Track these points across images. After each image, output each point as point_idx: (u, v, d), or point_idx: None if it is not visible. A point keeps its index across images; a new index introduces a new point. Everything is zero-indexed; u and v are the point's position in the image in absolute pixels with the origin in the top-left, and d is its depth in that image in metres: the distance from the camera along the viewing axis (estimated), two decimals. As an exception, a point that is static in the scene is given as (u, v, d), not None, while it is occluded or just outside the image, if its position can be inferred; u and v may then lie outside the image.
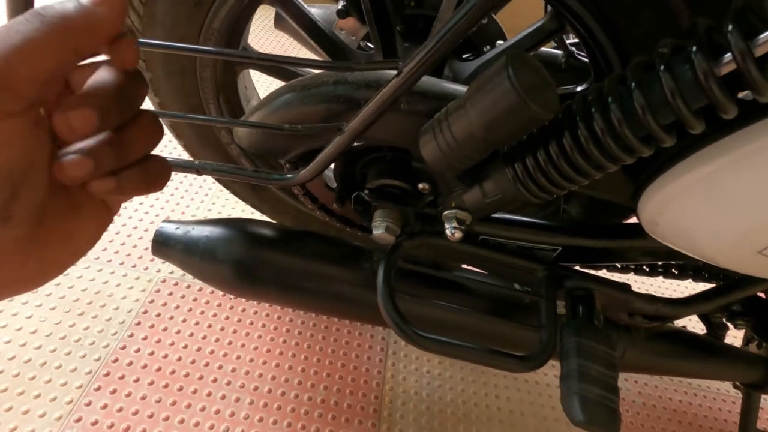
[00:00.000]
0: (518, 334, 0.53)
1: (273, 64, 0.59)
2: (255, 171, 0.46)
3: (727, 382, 0.92)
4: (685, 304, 0.51)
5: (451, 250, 0.51)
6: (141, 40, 0.25)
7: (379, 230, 0.50)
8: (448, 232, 0.44)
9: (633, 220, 0.54)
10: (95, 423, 0.60)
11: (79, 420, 0.60)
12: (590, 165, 0.32)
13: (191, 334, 0.72)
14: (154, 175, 0.23)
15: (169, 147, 1.03)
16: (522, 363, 0.43)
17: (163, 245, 0.53)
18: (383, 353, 0.78)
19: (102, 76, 0.20)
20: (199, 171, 0.46)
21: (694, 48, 0.25)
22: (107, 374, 0.65)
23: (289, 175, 0.45)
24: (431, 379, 0.77)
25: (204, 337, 0.73)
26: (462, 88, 0.41)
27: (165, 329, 0.72)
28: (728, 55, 0.25)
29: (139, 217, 0.88)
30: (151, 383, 0.65)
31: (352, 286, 0.54)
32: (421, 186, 0.48)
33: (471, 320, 0.52)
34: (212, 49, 0.43)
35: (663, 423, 0.81)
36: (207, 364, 0.69)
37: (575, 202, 0.55)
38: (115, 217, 0.87)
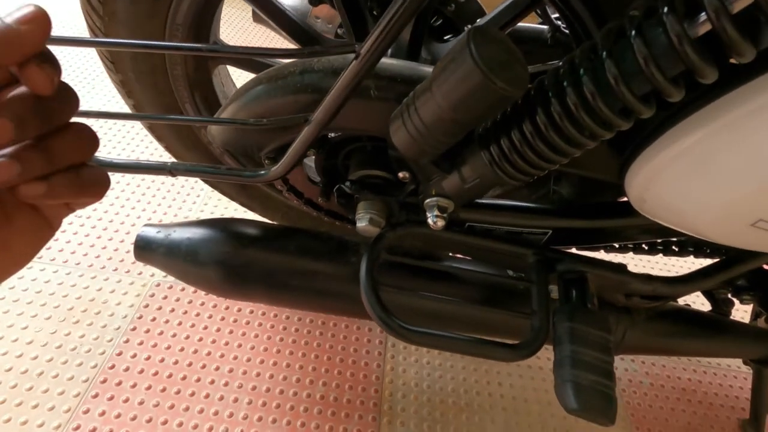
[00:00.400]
0: (511, 322, 0.51)
1: (239, 57, 0.58)
2: (228, 169, 0.44)
3: (738, 359, 0.90)
4: (684, 282, 0.49)
5: (438, 239, 0.50)
6: (57, 36, 0.24)
7: (362, 222, 0.49)
8: (430, 220, 0.43)
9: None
10: (93, 430, 0.60)
11: (77, 428, 0.60)
12: (567, 143, 0.30)
13: (187, 337, 0.72)
14: (89, 182, 0.23)
15: (160, 151, 1.02)
16: (513, 352, 0.42)
17: (145, 249, 0.52)
18: (382, 346, 0.77)
19: (22, 89, 0.20)
20: (172, 172, 0.45)
21: (666, 9, 0.23)
22: (104, 381, 0.65)
23: (262, 172, 0.44)
24: (431, 370, 0.76)
25: (200, 339, 0.72)
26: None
27: (161, 333, 0.72)
28: (703, 15, 0.23)
29: (132, 222, 0.88)
30: (149, 388, 0.65)
31: (340, 281, 0.53)
32: (401, 175, 0.46)
33: (462, 310, 0.51)
34: (153, 43, 0.41)
35: (671, 403, 0.80)
36: (204, 366, 0.69)
37: (566, 183, 0.53)
38: (107, 223, 0.86)
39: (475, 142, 0.36)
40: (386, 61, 0.40)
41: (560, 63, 0.31)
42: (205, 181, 0.78)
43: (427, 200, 0.44)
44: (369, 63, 0.29)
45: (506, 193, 0.57)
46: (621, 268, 0.49)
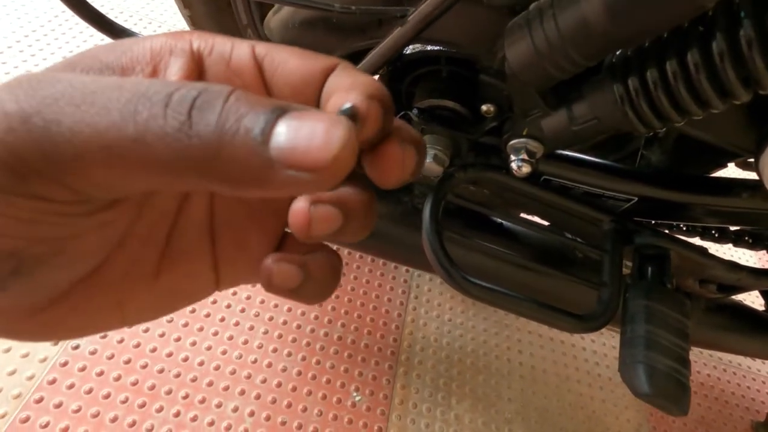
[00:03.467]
0: (572, 292, 0.47)
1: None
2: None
3: (759, 361, 0.88)
4: (771, 276, 0.44)
5: (507, 188, 0.44)
6: None
7: (425, 159, 0.43)
8: (513, 165, 0.37)
9: (720, 173, 0.46)
10: (76, 347, 0.57)
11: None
12: (744, 82, 0.24)
13: (205, 257, 0.68)
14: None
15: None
16: (579, 323, 0.38)
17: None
18: (405, 296, 0.74)
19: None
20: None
21: None
22: (117, 289, 0.62)
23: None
24: (452, 328, 0.73)
25: (219, 262, 0.69)
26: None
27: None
28: None
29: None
30: (163, 303, 0.62)
31: (387, 222, 0.48)
32: (485, 108, 0.40)
33: (523, 269, 0.46)
34: None
35: (688, 395, 0.78)
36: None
37: (658, 147, 0.47)
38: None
39: (607, 71, 0.29)
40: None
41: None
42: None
43: (514, 141, 0.38)
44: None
45: (583, 150, 0.51)
46: (705, 251, 0.44)
